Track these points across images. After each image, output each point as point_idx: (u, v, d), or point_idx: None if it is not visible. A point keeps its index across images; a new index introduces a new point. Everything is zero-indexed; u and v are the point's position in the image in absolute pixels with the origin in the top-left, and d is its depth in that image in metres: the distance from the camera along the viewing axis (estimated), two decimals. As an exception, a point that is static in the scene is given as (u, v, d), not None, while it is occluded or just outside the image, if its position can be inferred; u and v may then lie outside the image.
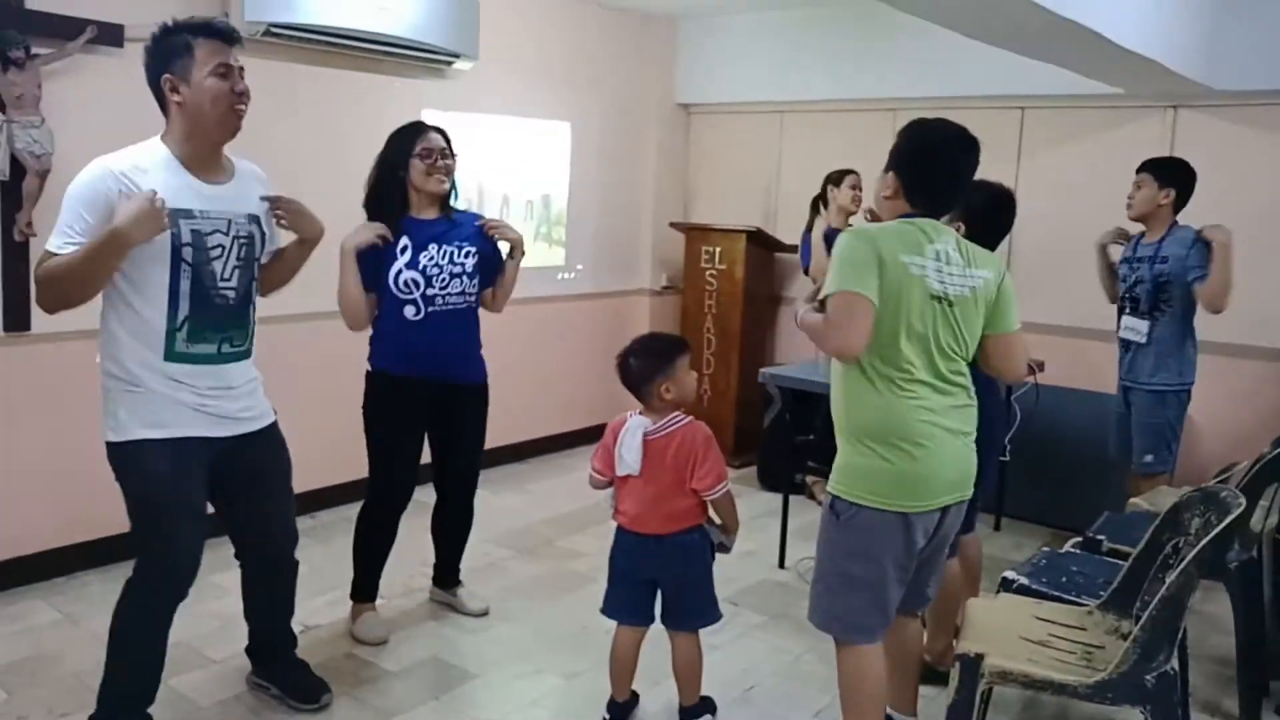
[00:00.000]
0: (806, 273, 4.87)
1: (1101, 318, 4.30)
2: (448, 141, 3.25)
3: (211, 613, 3.44)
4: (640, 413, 2.76)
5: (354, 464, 4.60)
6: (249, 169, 2.65)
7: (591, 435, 5.57)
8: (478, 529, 4.38)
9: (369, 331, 3.25)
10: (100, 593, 3.62)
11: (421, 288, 3.15)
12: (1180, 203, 3.82)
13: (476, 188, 5.14)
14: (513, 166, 5.30)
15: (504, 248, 3.35)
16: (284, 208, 2.65)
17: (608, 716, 2.86)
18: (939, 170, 2.39)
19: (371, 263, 3.12)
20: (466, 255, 3.22)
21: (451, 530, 3.59)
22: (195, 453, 2.51)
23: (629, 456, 2.69)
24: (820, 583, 2.48)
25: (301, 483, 4.27)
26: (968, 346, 2.39)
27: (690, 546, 2.75)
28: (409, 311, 3.15)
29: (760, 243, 5.64)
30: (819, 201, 4.94)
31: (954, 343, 2.35)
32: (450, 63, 4.72)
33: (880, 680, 2.46)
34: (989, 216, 3.00)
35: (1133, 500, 3.65)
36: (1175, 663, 2.31)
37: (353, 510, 4.51)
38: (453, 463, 3.44)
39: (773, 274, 5.92)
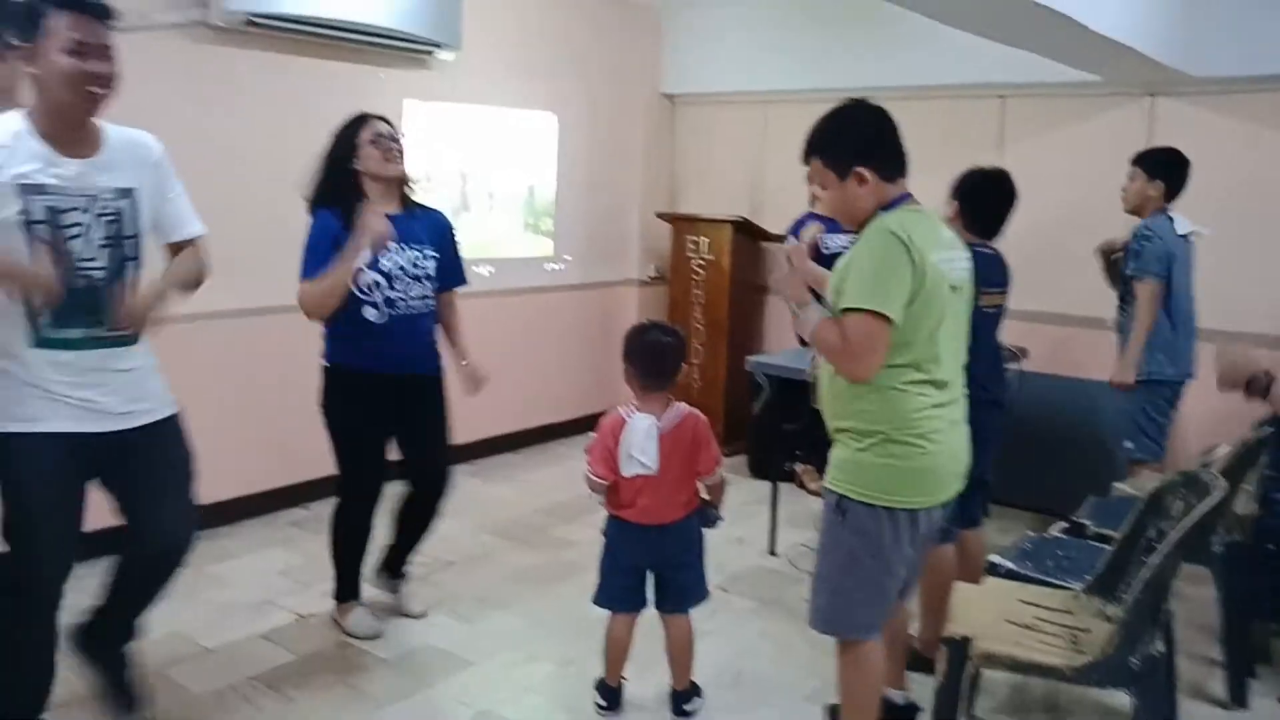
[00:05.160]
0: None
1: (1083, 305, 4.34)
2: (393, 127, 3.14)
3: (206, 601, 3.45)
4: (636, 408, 2.72)
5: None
6: (129, 140, 2.41)
7: (582, 425, 5.60)
8: (472, 518, 4.43)
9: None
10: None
11: (383, 290, 3.03)
12: (1171, 194, 3.84)
13: (461, 178, 5.13)
14: (498, 157, 5.30)
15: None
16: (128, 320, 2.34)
17: (603, 703, 2.89)
18: (894, 135, 2.33)
19: (330, 254, 2.95)
20: (429, 259, 3.13)
21: (412, 526, 3.41)
22: (67, 451, 2.33)
23: (645, 458, 2.66)
24: (825, 584, 2.39)
25: (294, 473, 4.36)
26: (967, 331, 2.40)
27: (692, 530, 2.80)
28: (369, 313, 3.03)
29: (747, 232, 5.66)
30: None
31: (965, 331, 2.36)
32: (432, 52, 4.71)
33: (878, 680, 2.47)
34: (984, 196, 3.01)
35: (1117, 485, 3.70)
36: (1161, 645, 2.35)
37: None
38: (423, 455, 3.28)
39: (759, 263, 5.93)
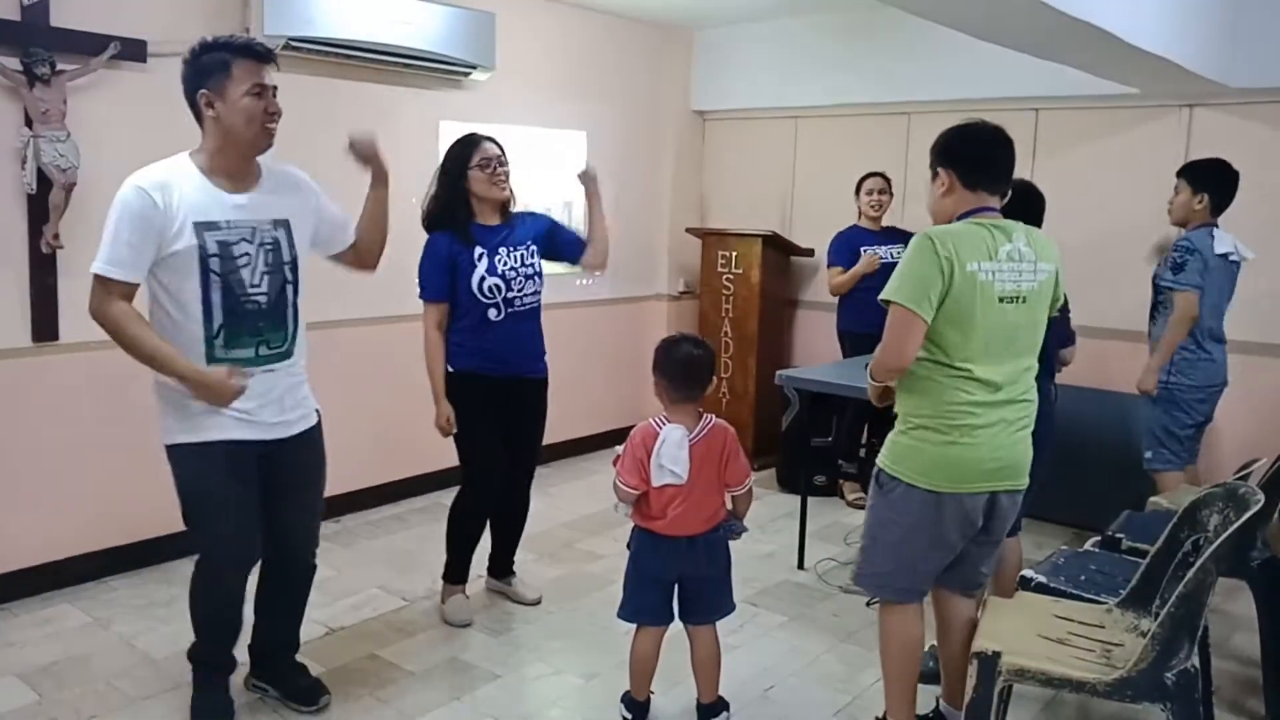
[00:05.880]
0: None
1: (1116, 318, 4.29)
2: (501, 149, 3.39)
3: (236, 617, 3.49)
4: (667, 419, 2.73)
5: (377, 469, 4.69)
6: (284, 175, 2.72)
7: (610, 439, 5.59)
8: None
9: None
10: (128, 597, 3.68)
11: (503, 292, 3.32)
12: (1217, 207, 3.79)
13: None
14: (531, 176, 5.33)
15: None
16: (358, 148, 2.77)
17: (629, 716, 2.88)
18: (987, 149, 2.49)
19: (449, 273, 3.30)
20: (533, 255, 3.42)
21: (511, 521, 3.72)
22: (234, 453, 2.60)
23: (676, 468, 2.68)
24: (862, 545, 2.65)
25: (328, 488, 4.38)
26: (1038, 340, 2.49)
27: (719, 542, 2.80)
28: (491, 314, 3.33)
29: (776, 246, 5.66)
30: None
31: (1026, 339, 2.46)
32: (468, 74, 4.77)
33: (913, 643, 2.60)
34: (1015, 211, 3.00)
35: (1153, 499, 3.64)
36: (1196, 660, 2.30)
37: (374, 515, 4.62)
38: (518, 454, 3.55)
39: (789, 277, 5.93)
